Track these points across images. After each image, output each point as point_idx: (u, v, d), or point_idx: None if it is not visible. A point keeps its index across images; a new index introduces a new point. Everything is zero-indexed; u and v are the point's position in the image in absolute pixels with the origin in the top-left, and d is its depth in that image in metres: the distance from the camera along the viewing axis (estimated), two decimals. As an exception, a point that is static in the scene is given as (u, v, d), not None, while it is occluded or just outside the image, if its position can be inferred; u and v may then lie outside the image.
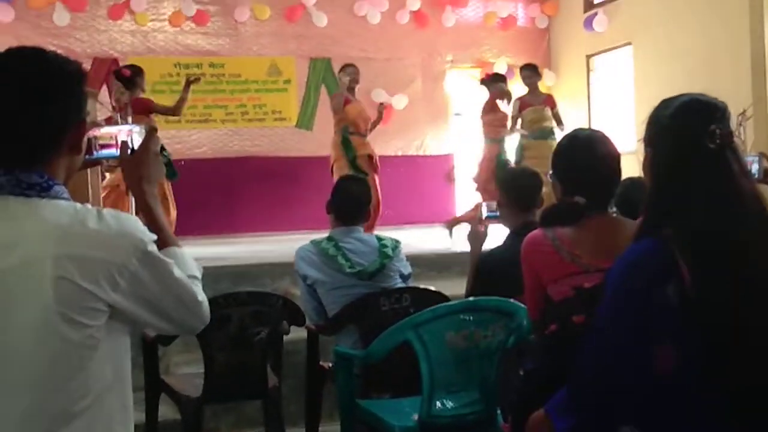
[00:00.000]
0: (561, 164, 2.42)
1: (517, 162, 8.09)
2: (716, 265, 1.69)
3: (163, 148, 6.54)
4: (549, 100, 8.37)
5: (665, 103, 1.85)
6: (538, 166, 7.66)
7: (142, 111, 6.95)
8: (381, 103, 8.00)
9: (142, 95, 7.18)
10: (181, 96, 7.35)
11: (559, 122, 8.26)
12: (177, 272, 1.59)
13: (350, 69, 7.61)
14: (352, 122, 7.49)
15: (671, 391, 1.70)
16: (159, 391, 3.77)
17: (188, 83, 7.36)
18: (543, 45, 11.22)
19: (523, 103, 8.26)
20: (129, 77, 7.06)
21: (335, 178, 6.89)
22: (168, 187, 6.96)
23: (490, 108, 8.19)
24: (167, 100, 7.66)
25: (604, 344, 1.77)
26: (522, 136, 8.20)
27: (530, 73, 8.38)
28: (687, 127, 1.78)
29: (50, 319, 1.42)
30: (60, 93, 1.54)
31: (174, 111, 7.40)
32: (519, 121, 8.22)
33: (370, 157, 7.52)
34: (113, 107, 8.02)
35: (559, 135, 8.21)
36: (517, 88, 8.98)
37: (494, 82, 8.30)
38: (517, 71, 10.70)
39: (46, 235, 1.45)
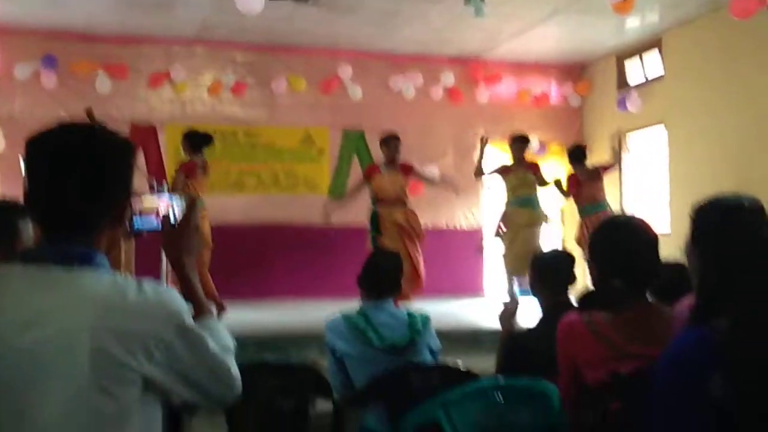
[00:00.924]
0: (600, 249, 2.41)
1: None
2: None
3: None
4: (533, 166, 8.41)
5: (706, 206, 1.99)
6: (519, 234, 7.84)
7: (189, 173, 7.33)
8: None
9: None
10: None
11: (543, 183, 8.34)
12: (212, 345, 1.59)
13: (392, 143, 7.74)
14: (375, 192, 7.69)
15: None
16: (182, 461, 3.72)
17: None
18: (576, 123, 11.31)
19: (505, 170, 8.38)
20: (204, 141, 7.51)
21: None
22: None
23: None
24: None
25: None
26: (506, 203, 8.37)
27: (521, 144, 8.45)
28: (726, 227, 1.90)
29: (85, 390, 1.42)
30: (109, 169, 1.57)
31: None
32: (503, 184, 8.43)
33: (401, 226, 7.58)
34: (148, 172, 8.21)
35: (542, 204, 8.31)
36: (549, 164, 9.01)
37: (581, 155, 8.44)
38: (549, 147, 10.83)
39: (85, 305, 1.46)
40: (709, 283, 1.86)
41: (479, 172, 8.52)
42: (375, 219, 7.72)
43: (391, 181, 7.74)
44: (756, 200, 1.96)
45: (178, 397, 1.60)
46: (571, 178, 8.53)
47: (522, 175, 8.25)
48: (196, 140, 7.53)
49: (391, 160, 7.79)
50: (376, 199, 7.78)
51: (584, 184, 8.35)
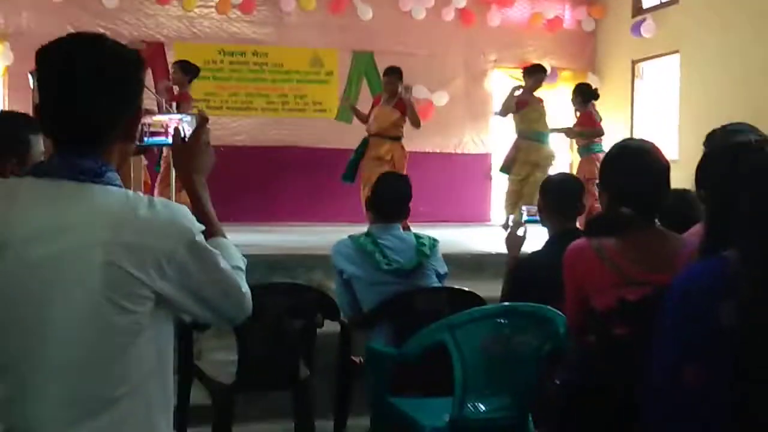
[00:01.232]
0: (610, 174, 2.39)
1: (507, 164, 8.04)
2: None
3: None
4: (541, 101, 8.15)
5: (718, 139, 1.97)
6: (531, 176, 7.67)
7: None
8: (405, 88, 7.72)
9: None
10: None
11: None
12: (223, 263, 1.60)
13: (389, 78, 7.65)
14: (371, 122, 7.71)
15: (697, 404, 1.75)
16: (192, 377, 3.80)
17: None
18: (588, 48, 11.11)
19: (522, 103, 7.96)
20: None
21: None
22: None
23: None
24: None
25: (661, 357, 1.80)
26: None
27: (541, 75, 8.16)
28: (736, 162, 1.87)
29: (97, 304, 1.43)
30: (119, 80, 1.54)
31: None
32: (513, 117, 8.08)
33: (382, 159, 7.56)
34: (156, 92, 8.15)
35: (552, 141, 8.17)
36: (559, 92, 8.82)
37: (593, 95, 8.28)
38: (561, 74, 10.66)
39: (98, 220, 1.46)
40: (719, 216, 1.86)
41: (507, 112, 8.10)
42: (362, 144, 7.75)
43: (383, 114, 7.66)
44: (764, 136, 1.96)
45: (190, 314, 1.62)
46: (588, 116, 8.22)
47: (542, 109, 8.02)
48: (194, 73, 7.55)
49: (391, 94, 7.68)
50: (369, 129, 7.78)
51: (598, 125, 8.20)
